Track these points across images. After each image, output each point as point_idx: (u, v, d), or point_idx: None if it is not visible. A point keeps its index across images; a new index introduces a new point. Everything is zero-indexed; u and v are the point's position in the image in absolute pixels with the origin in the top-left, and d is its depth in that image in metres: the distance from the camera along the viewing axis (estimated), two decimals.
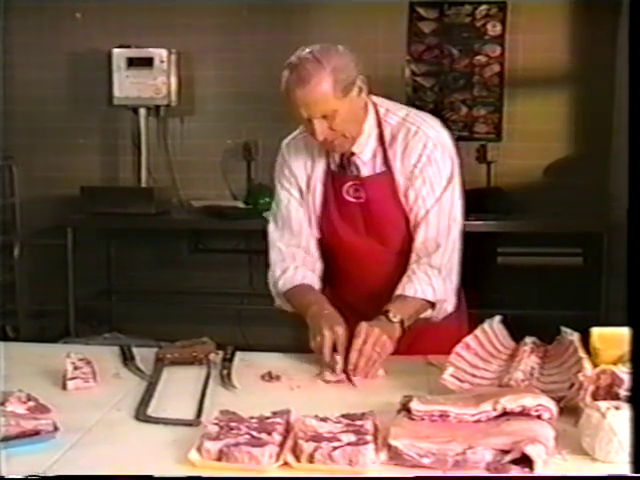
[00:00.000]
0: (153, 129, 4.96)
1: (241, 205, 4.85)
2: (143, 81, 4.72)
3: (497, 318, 2.05)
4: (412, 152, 2.14)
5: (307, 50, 2.03)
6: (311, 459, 1.38)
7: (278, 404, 1.60)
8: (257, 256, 4.67)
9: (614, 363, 1.65)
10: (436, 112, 4.18)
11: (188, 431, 1.56)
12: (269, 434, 1.45)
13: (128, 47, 4.74)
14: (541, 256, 4.67)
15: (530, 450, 1.35)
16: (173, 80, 4.78)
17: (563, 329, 1.93)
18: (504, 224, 4.38)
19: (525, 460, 1.36)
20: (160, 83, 4.72)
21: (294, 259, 2.24)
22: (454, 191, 2.18)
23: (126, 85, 4.72)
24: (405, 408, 1.55)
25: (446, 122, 2.36)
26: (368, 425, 1.49)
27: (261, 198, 4.56)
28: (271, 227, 2.31)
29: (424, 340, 2.10)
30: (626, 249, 1.40)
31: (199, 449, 1.42)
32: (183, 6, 4.82)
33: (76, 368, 1.86)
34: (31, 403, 1.62)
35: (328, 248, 2.28)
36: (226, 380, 1.90)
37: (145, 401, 1.74)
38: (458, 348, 1.86)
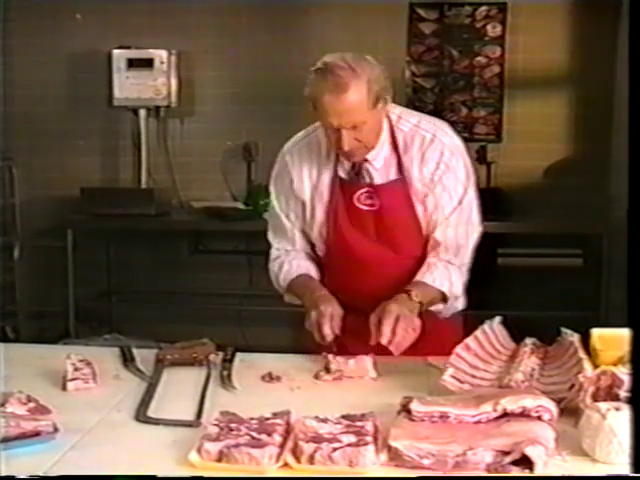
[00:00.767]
0: (153, 130, 4.96)
1: (241, 206, 4.84)
2: (143, 82, 4.72)
3: (497, 319, 2.06)
4: (429, 160, 2.14)
5: (337, 56, 2.00)
6: (311, 460, 1.38)
7: (278, 405, 1.60)
8: (257, 257, 4.64)
9: (614, 364, 1.65)
10: (436, 113, 4.18)
11: (188, 432, 1.56)
12: (269, 435, 1.45)
13: (128, 48, 4.75)
14: (541, 257, 4.68)
15: (530, 451, 1.35)
16: (173, 81, 4.78)
17: (563, 330, 1.94)
18: (504, 225, 4.36)
19: (525, 461, 1.36)
20: (160, 84, 4.72)
21: (288, 254, 2.29)
22: (472, 194, 2.20)
23: (126, 86, 4.72)
24: (405, 409, 1.55)
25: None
26: (368, 426, 1.49)
27: (261, 199, 4.54)
28: (269, 230, 2.36)
29: (424, 341, 2.09)
30: (626, 250, 1.40)
31: (199, 450, 1.42)
32: (183, 7, 4.81)
33: (76, 369, 1.86)
34: (31, 404, 1.62)
35: (337, 255, 2.26)
36: (226, 381, 1.90)
37: (145, 402, 1.74)
38: (458, 349, 1.86)
